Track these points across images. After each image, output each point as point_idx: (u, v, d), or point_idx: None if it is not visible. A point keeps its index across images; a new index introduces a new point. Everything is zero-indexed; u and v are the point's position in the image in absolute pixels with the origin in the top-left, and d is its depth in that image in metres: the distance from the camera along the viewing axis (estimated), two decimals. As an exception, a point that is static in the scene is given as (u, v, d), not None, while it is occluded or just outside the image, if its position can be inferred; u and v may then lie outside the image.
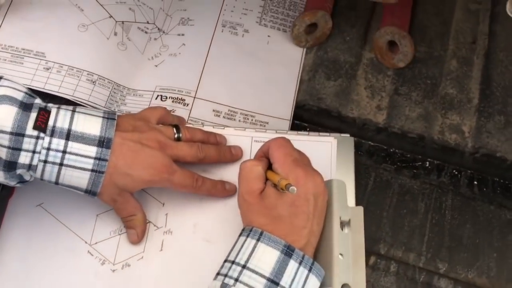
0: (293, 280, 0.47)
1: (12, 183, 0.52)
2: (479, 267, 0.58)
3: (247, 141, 0.61)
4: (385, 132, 0.66)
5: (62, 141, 0.50)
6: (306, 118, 0.67)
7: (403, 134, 0.65)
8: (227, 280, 0.47)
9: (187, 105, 0.66)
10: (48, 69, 0.66)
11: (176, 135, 0.58)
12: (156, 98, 0.67)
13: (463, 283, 0.58)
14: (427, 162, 0.65)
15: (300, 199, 0.50)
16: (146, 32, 0.72)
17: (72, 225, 0.58)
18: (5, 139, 0.49)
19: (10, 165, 0.50)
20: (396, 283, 0.58)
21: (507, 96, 0.67)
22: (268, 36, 0.72)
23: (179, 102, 0.66)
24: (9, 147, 0.49)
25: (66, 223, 0.58)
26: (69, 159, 0.50)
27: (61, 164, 0.50)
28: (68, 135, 0.50)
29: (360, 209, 0.55)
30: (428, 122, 0.66)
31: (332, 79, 0.69)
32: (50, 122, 0.50)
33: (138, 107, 0.66)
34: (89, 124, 0.51)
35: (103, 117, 0.52)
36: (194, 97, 0.67)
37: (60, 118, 0.51)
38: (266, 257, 0.47)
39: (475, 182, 0.64)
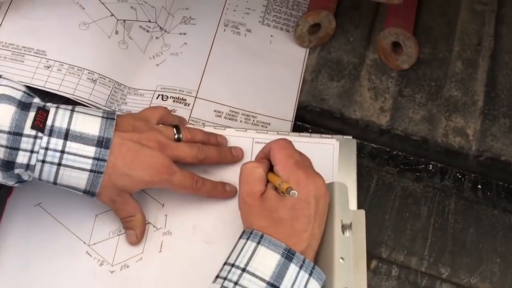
0: (293, 284, 0.46)
1: (10, 182, 0.51)
2: (482, 272, 0.58)
3: (248, 142, 0.61)
4: (388, 134, 0.65)
5: (61, 141, 0.50)
6: (309, 119, 0.67)
7: (407, 136, 0.65)
8: (226, 283, 0.46)
9: (188, 105, 0.66)
10: (48, 68, 0.66)
11: (176, 136, 0.57)
12: (157, 98, 0.66)
13: (466, 288, 0.57)
14: (431, 165, 0.64)
15: (301, 202, 0.49)
16: (147, 31, 0.72)
17: (71, 225, 0.57)
18: (3, 139, 0.48)
19: (8, 165, 0.49)
20: (397, 287, 0.57)
21: (513, 99, 0.66)
22: (271, 36, 0.72)
23: (180, 102, 0.66)
24: (6, 147, 0.48)
25: (65, 223, 0.57)
26: (67, 159, 0.50)
27: (59, 164, 0.50)
28: (67, 135, 0.50)
29: (362, 212, 0.54)
30: (432, 124, 0.65)
31: (335, 80, 0.68)
32: (49, 122, 0.50)
33: (139, 106, 0.66)
34: (88, 124, 0.51)
35: (102, 117, 0.52)
36: (195, 97, 0.66)
37: (58, 117, 0.50)
38: (266, 260, 0.47)
39: (479, 186, 0.63)
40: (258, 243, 0.48)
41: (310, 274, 0.47)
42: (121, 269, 0.55)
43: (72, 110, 0.51)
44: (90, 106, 0.64)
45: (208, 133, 0.60)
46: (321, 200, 0.51)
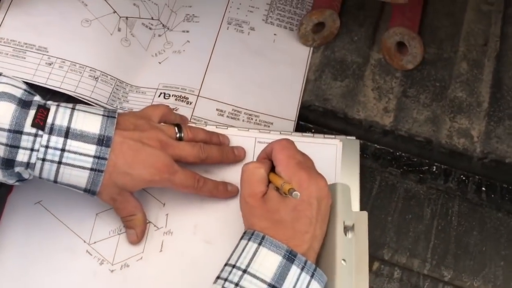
0: (294, 286, 0.46)
1: (10, 181, 0.51)
2: (485, 275, 0.57)
3: (250, 142, 0.61)
4: (391, 135, 0.65)
5: (61, 139, 0.49)
6: (312, 119, 0.66)
7: (410, 137, 0.64)
8: (227, 284, 0.46)
9: (190, 103, 0.65)
10: (50, 64, 0.65)
11: (178, 135, 0.57)
12: (159, 96, 0.66)
13: (469, 291, 0.57)
14: (434, 167, 0.64)
15: (303, 203, 0.49)
16: (150, 28, 0.71)
17: (71, 223, 0.57)
18: (3, 137, 0.48)
19: (8, 163, 0.49)
20: (399, 290, 0.57)
21: (518, 101, 0.65)
22: (275, 34, 0.71)
23: (182, 101, 0.65)
24: (6, 145, 0.48)
25: (65, 222, 0.57)
26: (67, 157, 0.50)
27: (59, 163, 0.50)
28: (67, 133, 0.49)
29: (365, 214, 0.54)
30: (436, 125, 0.64)
31: (339, 80, 0.68)
32: (49, 120, 0.49)
33: (141, 104, 0.65)
34: (89, 122, 0.50)
35: (103, 115, 0.52)
36: (198, 96, 0.66)
37: (59, 115, 0.50)
38: (267, 262, 0.46)
39: (483, 188, 0.62)
40: (260, 244, 0.47)
41: (312, 276, 0.47)
42: (121, 268, 0.55)
43: (73, 108, 0.51)
44: (91, 103, 0.63)
45: (210, 132, 0.60)
46: (323, 202, 0.50)
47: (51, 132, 0.49)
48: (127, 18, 0.70)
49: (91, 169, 0.50)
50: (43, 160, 0.49)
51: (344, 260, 0.50)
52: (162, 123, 0.57)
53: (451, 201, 0.61)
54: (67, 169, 0.50)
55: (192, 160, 0.56)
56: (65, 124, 0.50)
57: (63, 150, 0.49)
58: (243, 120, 0.65)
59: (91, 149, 0.50)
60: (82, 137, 0.50)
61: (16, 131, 0.48)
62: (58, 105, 0.51)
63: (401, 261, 0.58)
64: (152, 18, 0.72)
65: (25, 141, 0.48)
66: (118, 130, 0.52)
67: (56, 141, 0.49)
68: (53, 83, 0.64)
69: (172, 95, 0.66)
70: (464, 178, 0.63)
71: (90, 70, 0.65)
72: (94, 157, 0.50)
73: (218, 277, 0.48)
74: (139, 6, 0.72)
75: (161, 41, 0.71)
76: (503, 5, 0.71)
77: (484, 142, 0.63)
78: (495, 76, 0.67)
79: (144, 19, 0.72)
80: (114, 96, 0.65)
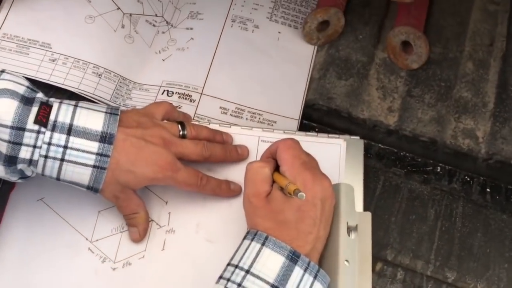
0: (297, 287, 0.46)
1: (13, 178, 0.51)
2: (489, 277, 0.57)
3: (254, 140, 0.60)
4: (396, 135, 0.64)
5: (64, 136, 0.49)
6: (315, 118, 0.66)
7: (415, 137, 0.64)
8: (229, 284, 0.46)
9: (194, 101, 0.65)
10: (53, 61, 0.65)
11: (181, 132, 0.56)
12: (162, 93, 0.66)
13: (472, 293, 0.56)
14: (439, 167, 0.63)
15: (308, 204, 0.48)
16: (154, 25, 0.71)
17: (73, 221, 0.57)
18: (6, 133, 0.48)
19: (11, 160, 0.49)
20: (402, 291, 0.56)
21: (524, 101, 0.65)
22: (279, 32, 0.71)
23: (185, 98, 0.65)
24: (9, 141, 0.48)
25: (67, 219, 0.57)
26: (70, 155, 0.49)
27: (62, 160, 0.49)
28: (70, 130, 0.49)
29: (368, 214, 0.54)
30: (441, 125, 0.64)
31: (343, 79, 0.67)
32: (52, 117, 0.49)
33: (144, 101, 0.65)
34: (92, 119, 0.50)
35: (106, 112, 0.51)
36: (201, 93, 0.65)
37: (62, 112, 0.49)
38: (270, 262, 0.46)
39: (488, 190, 0.62)
40: (263, 244, 0.47)
41: (315, 277, 0.47)
42: (123, 266, 0.55)
43: (76, 105, 0.51)
44: (94, 100, 0.63)
45: (213, 130, 0.59)
46: (327, 202, 0.50)
47: (53, 129, 0.49)
48: (131, 14, 0.70)
49: (94, 167, 0.50)
50: (46, 157, 0.49)
51: (347, 260, 0.50)
52: (165, 121, 0.57)
53: (455, 202, 0.61)
54: (70, 166, 0.50)
55: (195, 158, 0.56)
56: (67, 121, 0.49)
57: (65, 147, 0.49)
58: (246, 118, 0.64)
59: (94, 146, 0.50)
60: (84, 134, 0.50)
61: (18, 128, 0.48)
62: (60, 102, 0.50)
63: (404, 262, 0.58)
64: (156, 15, 0.72)
65: (28, 138, 0.48)
66: (121, 128, 0.52)
67: (59, 138, 0.49)
68: (56, 80, 0.64)
69: (176, 93, 0.65)
70: (468, 179, 0.63)
71: (94, 66, 0.65)
72: (97, 154, 0.50)
73: (220, 277, 0.47)
74: (143, 3, 0.71)
75: (164, 38, 0.70)
76: (510, 5, 0.71)
77: (489, 143, 0.63)
78: (501, 77, 0.66)
79: (148, 16, 0.71)
80: (117, 93, 0.65)
